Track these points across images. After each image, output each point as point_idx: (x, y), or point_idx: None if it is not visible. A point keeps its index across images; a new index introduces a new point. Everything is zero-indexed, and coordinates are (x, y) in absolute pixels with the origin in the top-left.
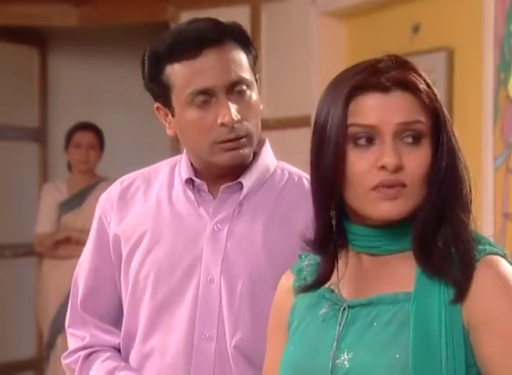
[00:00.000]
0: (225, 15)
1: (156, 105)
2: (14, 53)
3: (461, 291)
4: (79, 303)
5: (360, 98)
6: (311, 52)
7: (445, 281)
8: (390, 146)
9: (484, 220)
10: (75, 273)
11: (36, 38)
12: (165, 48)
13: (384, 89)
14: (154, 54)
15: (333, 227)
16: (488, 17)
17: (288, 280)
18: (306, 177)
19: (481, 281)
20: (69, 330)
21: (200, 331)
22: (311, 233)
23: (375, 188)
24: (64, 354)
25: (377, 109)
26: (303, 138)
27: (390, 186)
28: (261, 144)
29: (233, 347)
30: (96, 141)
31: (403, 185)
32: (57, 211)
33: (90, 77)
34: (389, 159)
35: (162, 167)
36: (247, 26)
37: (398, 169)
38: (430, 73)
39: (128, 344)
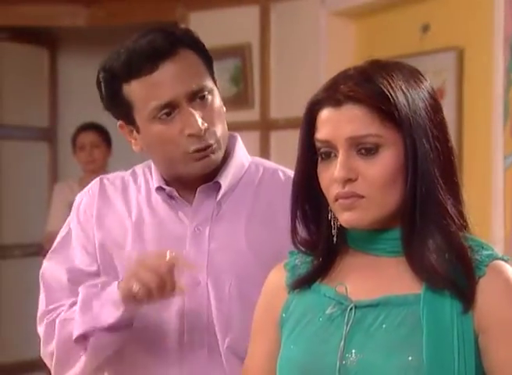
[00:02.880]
0: (234, 15)
1: (119, 123)
2: (24, 53)
3: (468, 302)
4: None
5: (321, 112)
6: (320, 52)
7: (451, 293)
8: (340, 160)
9: (494, 220)
10: (47, 276)
11: (45, 38)
12: (120, 67)
13: (336, 103)
14: (110, 74)
15: (331, 228)
16: (498, 17)
17: (279, 277)
18: (281, 170)
19: (491, 287)
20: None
21: (190, 334)
22: (301, 232)
23: (336, 199)
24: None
25: (329, 124)
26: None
27: (346, 197)
28: (233, 141)
29: (226, 347)
30: (99, 139)
31: (360, 196)
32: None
33: None
34: (336, 173)
35: (138, 171)
36: (256, 26)
37: (347, 181)
38: (440, 72)
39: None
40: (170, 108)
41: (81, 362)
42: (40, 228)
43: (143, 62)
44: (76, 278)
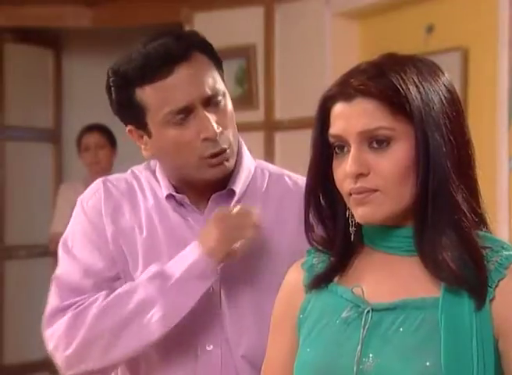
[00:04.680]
0: (238, 16)
1: (128, 128)
2: (28, 54)
3: (481, 299)
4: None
5: (334, 107)
6: (324, 53)
7: (468, 294)
8: (352, 154)
9: (499, 221)
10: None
11: (50, 40)
12: (133, 71)
13: (348, 97)
14: (122, 78)
15: (349, 227)
16: (502, 17)
17: (297, 276)
18: (287, 175)
19: (511, 290)
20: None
21: (203, 344)
22: (319, 231)
23: (350, 194)
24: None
25: (341, 119)
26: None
27: (359, 193)
28: (239, 145)
29: (241, 356)
30: (104, 141)
31: (374, 190)
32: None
33: (104, 78)
34: (348, 168)
35: (140, 175)
36: (260, 27)
37: (359, 176)
38: None
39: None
40: (185, 113)
41: (147, 333)
42: (44, 229)
43: (158, 66)
44: (97, 280)
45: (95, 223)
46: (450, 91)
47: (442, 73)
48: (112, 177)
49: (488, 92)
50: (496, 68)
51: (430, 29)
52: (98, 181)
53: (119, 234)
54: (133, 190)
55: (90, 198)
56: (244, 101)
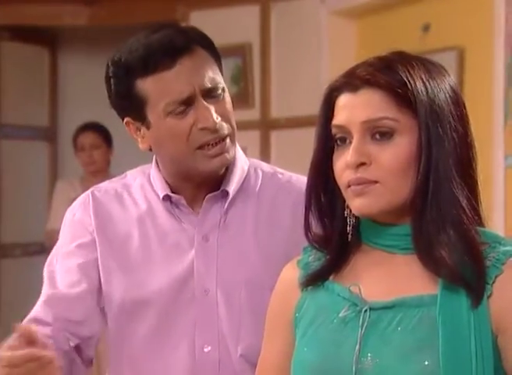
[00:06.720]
0: (234, 14)
1: (126, 120)
2: (25, 53)
3: (477, 297)
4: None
5: (339, 98)
6: (321, 52)
7: (466, 292)
8: (354, 144)
9: (495, 220)
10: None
11: (46, 38)
12: (135, 61)
13: (353, 88)
14: (123, 68)
15: (346, 224)
16: (498, 16)
17: (292, 273)
18: (280, 172)
19: (508, 286)
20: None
21: (200, 345)
22: (317, 229)
23: (348, 186)
24: None
25: (345, 109)
26: (314, 137)
27: (358, 183)
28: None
29: (240, 355)
30: (99, 140)
31: (373, 182)
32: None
33: (100, 76)
34: (349, 158)
35: (132, 182)
36: (256, 25)
37: (360, 166)
38: None
39: (120, 366)
40: (186, 104)
41: None
42: (40, 227)
43: (161, 57)
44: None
45: (77, 242)
46: (456, 92)
47: (448, 74)
48: (102, 185)
49: (484, 91)
50: (492, 67)
51: (426, 28)
52: (87, 192)
53: (107, 243)
54: (123, 198)
55: (78, 209)
56: (240, 99)
